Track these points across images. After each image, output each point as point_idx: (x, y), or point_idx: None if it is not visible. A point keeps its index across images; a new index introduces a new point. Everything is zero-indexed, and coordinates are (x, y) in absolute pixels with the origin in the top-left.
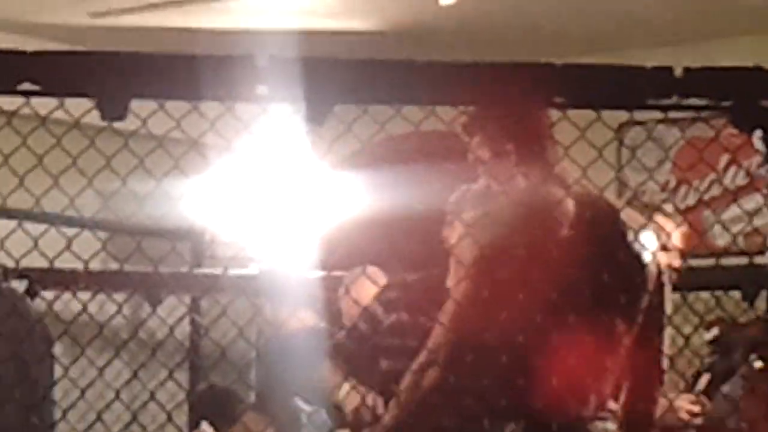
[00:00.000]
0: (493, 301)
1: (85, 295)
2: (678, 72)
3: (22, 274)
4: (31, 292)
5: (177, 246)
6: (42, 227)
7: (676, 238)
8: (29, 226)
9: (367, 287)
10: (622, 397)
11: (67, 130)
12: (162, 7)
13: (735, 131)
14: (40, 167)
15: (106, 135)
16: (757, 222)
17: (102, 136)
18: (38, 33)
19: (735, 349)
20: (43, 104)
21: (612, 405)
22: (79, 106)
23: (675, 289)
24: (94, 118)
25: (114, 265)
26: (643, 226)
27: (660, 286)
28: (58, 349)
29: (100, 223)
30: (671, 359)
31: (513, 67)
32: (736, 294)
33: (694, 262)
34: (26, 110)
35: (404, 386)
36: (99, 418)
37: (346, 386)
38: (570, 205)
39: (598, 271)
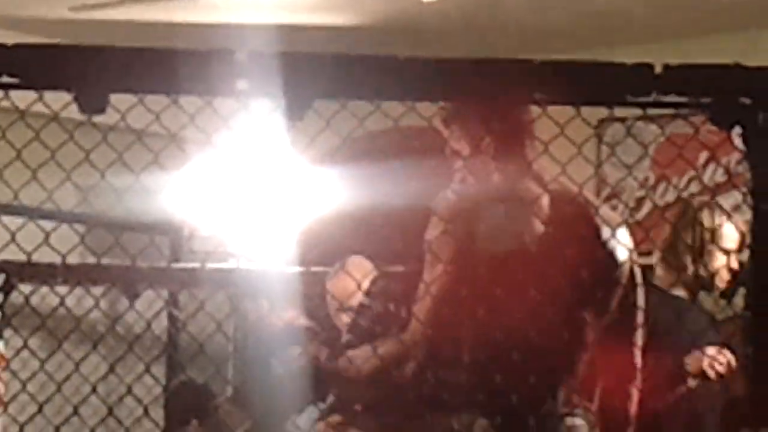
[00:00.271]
0: (468, 297)
1: (63, 289)
2: (657, 69)
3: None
4: (7, 287)
5: (156, 240)
6: (20, 221)
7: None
8: (7, 219)
9: (355, 275)
10: (597, 393)
11: (45, 123)
12: (142, 1)
13: (714, 128)
14: (19, 161)
15: (85, 129)
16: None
17: (81, 130)
18: (18, 26)
19: None
20: (22, 97)
21: (584, 400)
22: (58, 100)
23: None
24: (73, 111)
25: (92, 259)
26: (618, 224)
27: (634, 283)
28: (35, 342)
29: (78, 217)
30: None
31: (493, 64)
32: None
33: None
34: (5, 103)
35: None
36: (75, 412)
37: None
38: (545, 201)
39: (572, 268)
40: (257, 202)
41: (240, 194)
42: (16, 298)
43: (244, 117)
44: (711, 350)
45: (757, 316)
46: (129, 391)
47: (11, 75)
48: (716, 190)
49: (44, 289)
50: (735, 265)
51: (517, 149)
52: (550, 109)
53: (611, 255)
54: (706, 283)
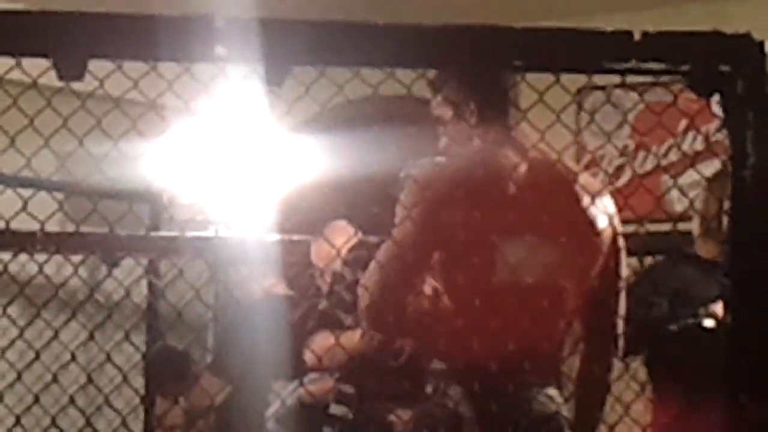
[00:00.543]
0: (439, 262)
1: (42, 257)
2: (636, 36)
3: None
4: None
5: (135, 208)
6: None
7: None
8: None
9: (340, 238)
10: (577, 362)
11: (23, 90)
12: None
13: (693, 96)
14: None
15: (63, 96)
16: None
17: (59, 97)
18: None
19: None
20: None
21: (564, 370)
22: (35, 67)
23: (632, 254)
24: (51, 78)
25: (71, 227)
26: (599, 191)
27: (616, 250)
28: (14, 310)
29: (56, 185)
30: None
31: (472, 30)
32: None
33: (652, 227)
34: None
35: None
36: (55, 379)
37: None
38: (524, 168)
39: (551, 235)
40: (237, 170)
41: (219, 161)
42: None
43: (223, 83)
44: None
45: (735, 284)
46: (108, 358)
47: None
48: (696, 158)
49: (23, 257)
50: None
51: (497, 116)
52: (532, 76)
53: (591, 223)
54: None
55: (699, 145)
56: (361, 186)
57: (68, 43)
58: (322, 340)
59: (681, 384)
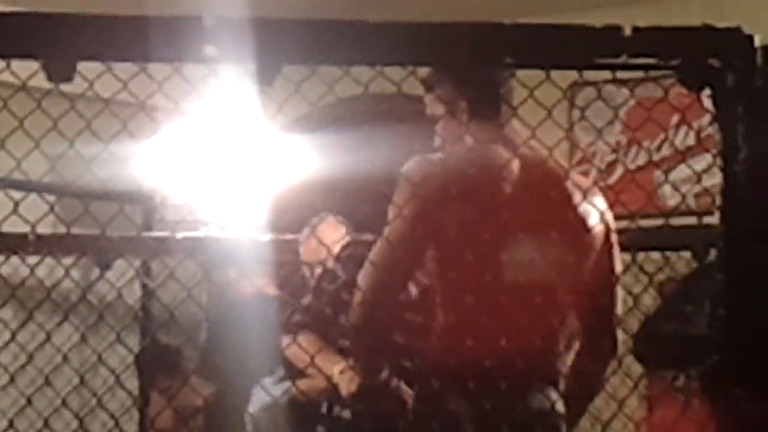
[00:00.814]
0: (435, 262)
1: (34, 259)
2: (627, 31)
3: None
4: None
5: (128, 209)
6: None
7: None
8: None
9: (330, 233)
10: (571, 359)
11: (13, 92)
12: None
13: (684, 91)
14: None
15: (53, 97)
16: (708, 182)
17: (49, 99)
18: None
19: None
20: None
21: (560, 368)
22: (25, 68)
23: (625, 249)
24: (40, 80)
25: (63, 229)
26: (589, 188)
27: (609, 247)
28: (6, 313)
29: (48, 187)
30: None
31: (463, 28)
32: (687, 254)
33: (645, 223)
34: None
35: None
36: (47, 381)
37: (340, 366)
38: (516, 165)
39: (544, 232)
40: (228, 170)
41: (211, 162)
42: None
43: (213, 83)
44: None
45: (728, 278)
46: (99, 358)
47: None
48: (687, 153)
49: (15, 259)
50: None
51: (489, 113)
52: (526, 73)
53: (583, 219)
54: None
55: (691, 140)
56: (352, 184)
57: (58, 44)
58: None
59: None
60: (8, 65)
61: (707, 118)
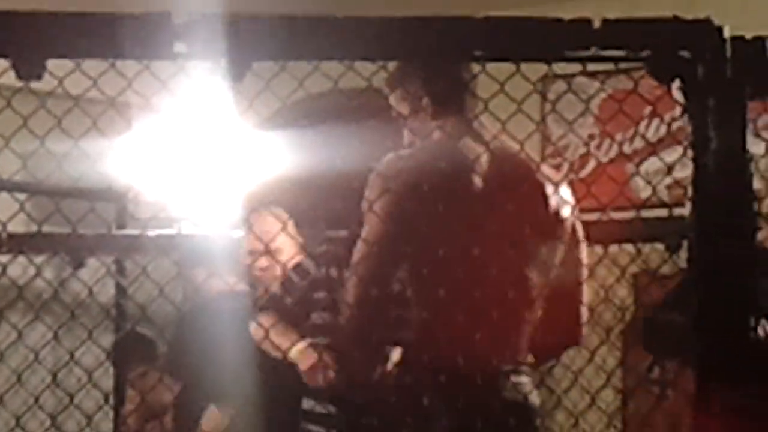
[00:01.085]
0: (408, 255)
1: (6, 259)
2: (596, 24)
3: None
4: None
5: (100, 207)
6: None
7: None
8: None
9: (272, 224)
10: (539, 349)
11: None
12: None
13: (655, 83)
14: None
15: (22, 95)
16: (680, 174)
17: (19, 97)
18: None
19: None
20: None
21: (529, 358)
22: None
23: (598, 242)
24: (10, 78)
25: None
26: (559, 181)
27: (577, 239)
28: None
29: (19, 185)
30: (595, 312)
31: (432, 22)
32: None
33: (617, 215)
34: None
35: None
36: (19, 379)
37: (300, 344)
38: (485, 158)
39: (513, 225)
40: (200, 166)
41: (183, 158)
42: None
43: (184, 80)
44: None
45: (699, 270)
46: (72, 358)
47: None
48: (658, 145)
49: None
50: None
51: (455, 107)
52: (496, 66)
53: (553, 212)
54: None
55: (662, 132)
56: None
57: (26, 42)
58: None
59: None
60: None
61: (678, 110)
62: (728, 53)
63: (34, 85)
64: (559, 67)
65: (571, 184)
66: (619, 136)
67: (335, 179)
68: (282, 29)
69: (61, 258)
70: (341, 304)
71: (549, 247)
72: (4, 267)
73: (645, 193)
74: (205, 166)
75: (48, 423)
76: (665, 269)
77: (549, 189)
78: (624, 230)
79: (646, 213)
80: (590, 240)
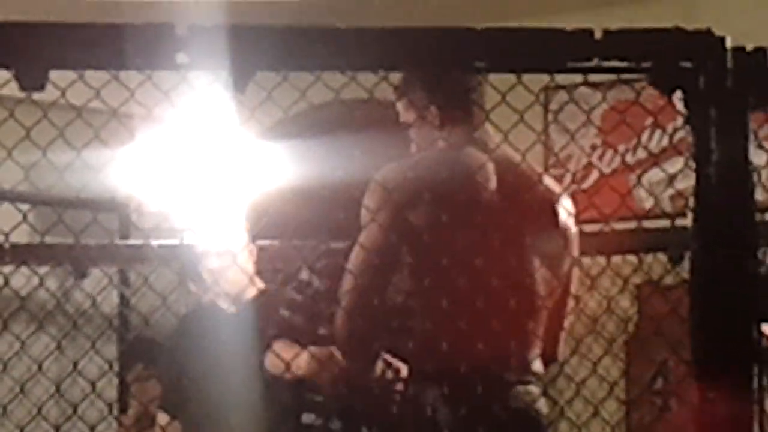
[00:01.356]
0: (412, 265)
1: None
2: (597, 34)
3: None
4: None
5: (103, 217)
6: None
7: None
8: None
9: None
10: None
11: None
12: None
13: (657, 93)
14: None
15: (25, 106)
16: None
17: (21, 108)
18: None
19: None
20: None
21: (537, 367)
22: None
23: (601, 252)
24: (13, 89)
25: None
26: (561, 192)
27: (573, 252)
28: None
29: (22, 196)
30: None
31: (433, 32)
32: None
33: (620, 226)
34: None
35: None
36: (22, 390)
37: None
38: (490, 168)
39: (517, 234)
40: (203, 177)
41: (185, 168)
42: None
43: (186, 91)
44: None
45: (700, 281)
46: (75, 368)
47: None
48: (661, 155)
49: None
50: None
51: (460, 118)
52: (498, 77)
53: (556, 222)
54: None
55: (665, 143)
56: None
57: (29, 53)
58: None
59: None
60: None
61: (680, 121)
62: (730, 64)
63: (37, 95)
64: (561, 78)
65: (573, 194)
66: (621, 147)
67: (337, 190)
68: (284, 40)
69: (64, 268)
70: (336, 311)
71: (554, 256)
72: (7, 278)
73: (647, 203)
74: (208, 176)
75: None
76: (668, 280)
77: (552, 199)
78: (627, 241)
79: (649, 224)
80: (593, 251)
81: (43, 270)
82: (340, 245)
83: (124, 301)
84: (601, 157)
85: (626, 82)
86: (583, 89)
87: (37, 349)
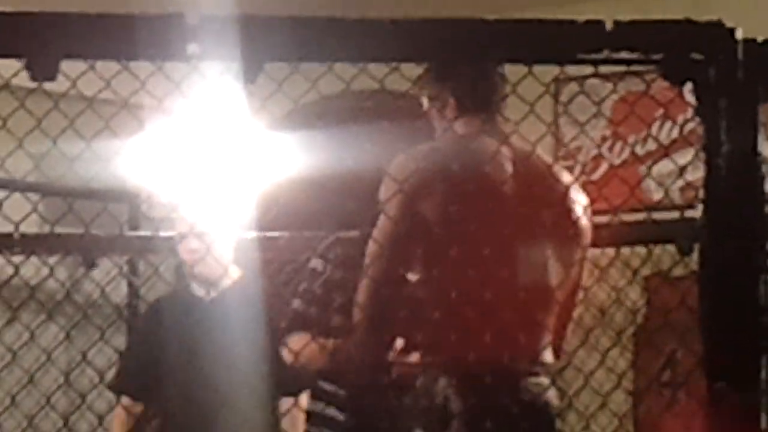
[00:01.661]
0: (422, 256)
1: (19, 259)
2: (608, 26)
3: None
4: None
5: (113, 208)
6: None
7: None
8: None
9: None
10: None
11: None
12: None
13: (668, 85)
14: None
15: (36, 96)
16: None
17: (32, 98)
18: None
19: None
20: None
21: (547, 358)
22: (8, 67)
23: (610, 244)
24: (24, 79)
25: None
26: (572, 183)
27: (586, 243)
28: None
29: (32, 186)
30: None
31: (444, 23)
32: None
33: (629, 217)
34: None
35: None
36: (31, 380)
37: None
38: (504, 157)
39: (531, 226)
40: (213, 167)
41: (196, 159)
42: None
43: (197, 81)
44: None
45: (709, 272)
46: (84, 358)
47: None
48: (671, 147)
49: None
50: None
51: (477, 108)
52: (509, 68)
53: (570, 212)
54: None
55: (675, 134)
56: (336, 181)
57: (41, 43)
58: (298, 341)
59: None
60: None
61: (691, 112)
62: (740, 55)
63: (48, 86)
64: (572, 69)
65: (583, 186)
66: (631, 138)
67: (347, 180)
68: (295, 30)
69: (73, 258)
70: (353, 305)
71: (567, 247)
72: (17, 267)
73: (657, 195)
74: (218, 166)
75: (60, 423)
76: (677, 271)
77: (565, 189)
78: (636, 232)
79: (658, 215)
80: (602, 242)
81: (52, 260)
82: (351, 234)
83: (133, 291)
84: (611, 149)
85: (637, 73)
86: (593, 80)
87: (47, 338)
